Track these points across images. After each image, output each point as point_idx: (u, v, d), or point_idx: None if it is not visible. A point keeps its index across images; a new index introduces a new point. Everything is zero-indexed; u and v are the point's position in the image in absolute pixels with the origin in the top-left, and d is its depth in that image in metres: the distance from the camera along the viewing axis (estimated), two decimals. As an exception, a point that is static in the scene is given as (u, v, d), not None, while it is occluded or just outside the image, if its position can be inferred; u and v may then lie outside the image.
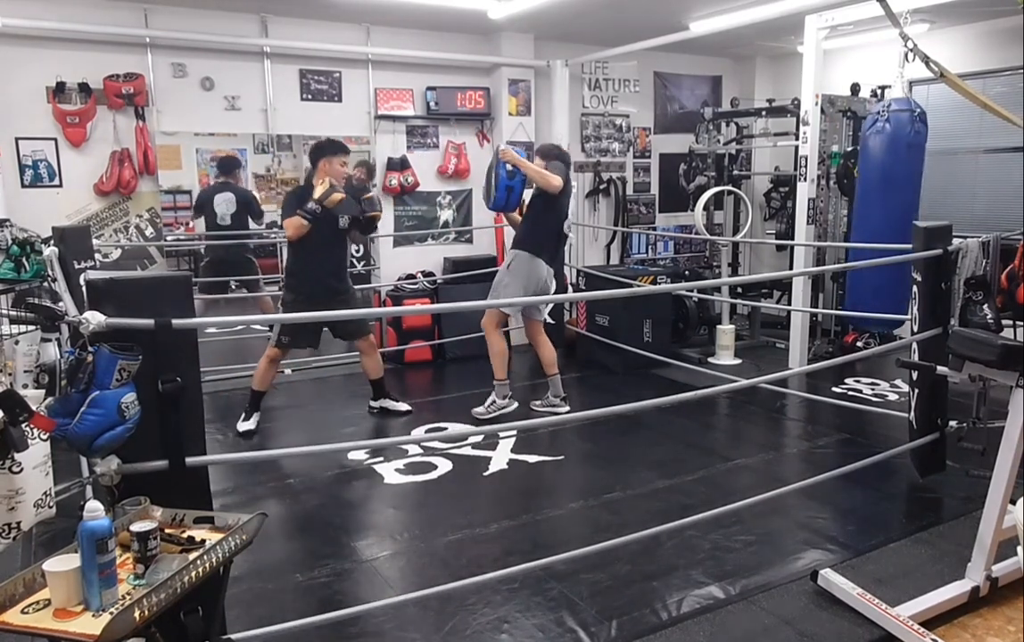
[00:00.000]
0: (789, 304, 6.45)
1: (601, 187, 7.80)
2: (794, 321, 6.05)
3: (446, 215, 7.08)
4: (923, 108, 5.47)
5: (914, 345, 3.63)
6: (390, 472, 4.13)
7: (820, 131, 5.91)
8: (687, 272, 7.37)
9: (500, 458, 4.30)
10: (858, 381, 5.69)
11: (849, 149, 6.32)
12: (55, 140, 5.50)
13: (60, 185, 5.55)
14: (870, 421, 4.74)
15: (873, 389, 5.50)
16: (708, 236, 7.01)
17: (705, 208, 6.76)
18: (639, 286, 6.01)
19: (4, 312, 3.21)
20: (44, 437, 1.96)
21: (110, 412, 2.03)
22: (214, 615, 1.98)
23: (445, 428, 4.81)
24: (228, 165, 6.08)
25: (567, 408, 5.14)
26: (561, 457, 4.42)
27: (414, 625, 2.69)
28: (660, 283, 6.23)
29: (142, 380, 2.11)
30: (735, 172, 7.19)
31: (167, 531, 1.91)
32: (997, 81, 6.30)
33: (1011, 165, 6.20)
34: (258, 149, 6.23)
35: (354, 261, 6.93)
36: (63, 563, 1.64)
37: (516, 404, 5.00)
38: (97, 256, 4.91)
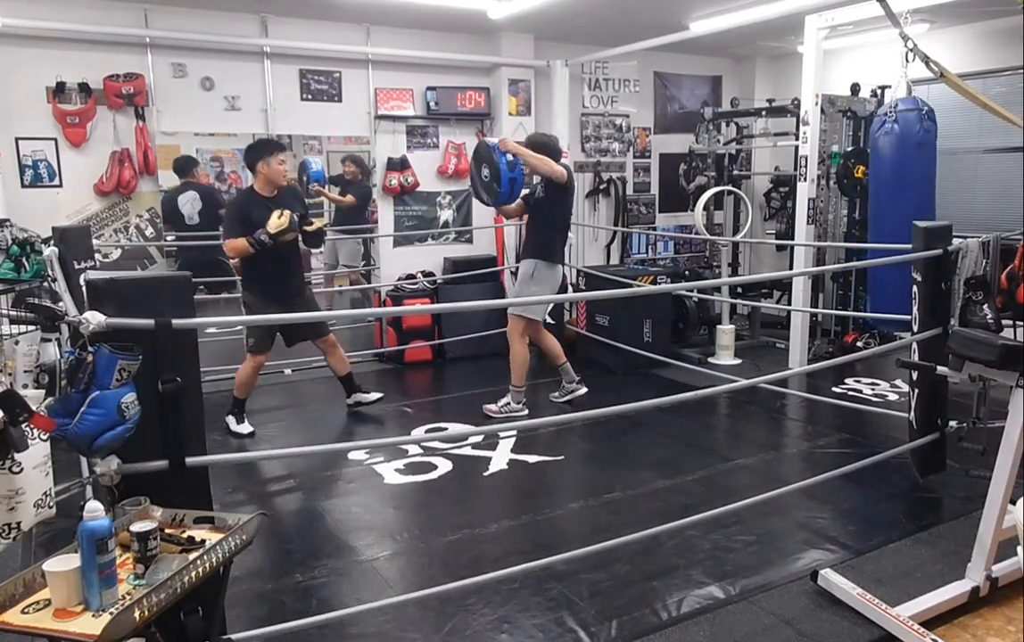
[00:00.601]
0: (789, 304, 6.45)
1: (601, 187, 7.80)
2: (794, 321, 6.05)
3: (446, 215, 7.08)
4: (931, 106, 5.47)
5: (914, 345, 3.64)
6: (390, 472, 4.13)
7: (820, 131, 5.91)
8: (687, 272, 7.37)
9: (500, 458, 4.29)
10: (858, 381, 5.69)
11: (849, 149, 6.32)
12: (55, 140, 5.50)
13: (60, 185, 5.55)
14: (870, 421, 4.74)
15: (873, 389, 5.50)
16: (708, 236, 7.01)
17: (705, 208, 6.76)
18: (639, 286, 6.01)
19: (4, 312, 3.21)
20: (44, 437, 1.96)
21: (110, 412, 2.03)
22: (214, 615, 1.98)
23: (445, 428, 4.81)
24: (186, 165, 5.97)
25: (584, 389, 5.23)
26: (561, 457, 4.42)
27: (414, 625, 2.69)
28: (660, 283, 6.23)
29: (142, 380, 2.11)
30: (735, 172, 7.19)
31: (167, 531, 1.91)
32: (997, 81, 6.30)
33: (1011, 165, 6.20)
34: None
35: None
36: (63, 563, 1.64)
37: (527, 413, 4.96)
38: (97, 256, 4.91)
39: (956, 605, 2.72)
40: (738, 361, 6.38)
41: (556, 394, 5.33)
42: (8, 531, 1.90)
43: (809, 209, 5.88)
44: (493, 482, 4.06)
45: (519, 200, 5.06)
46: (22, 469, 1.89)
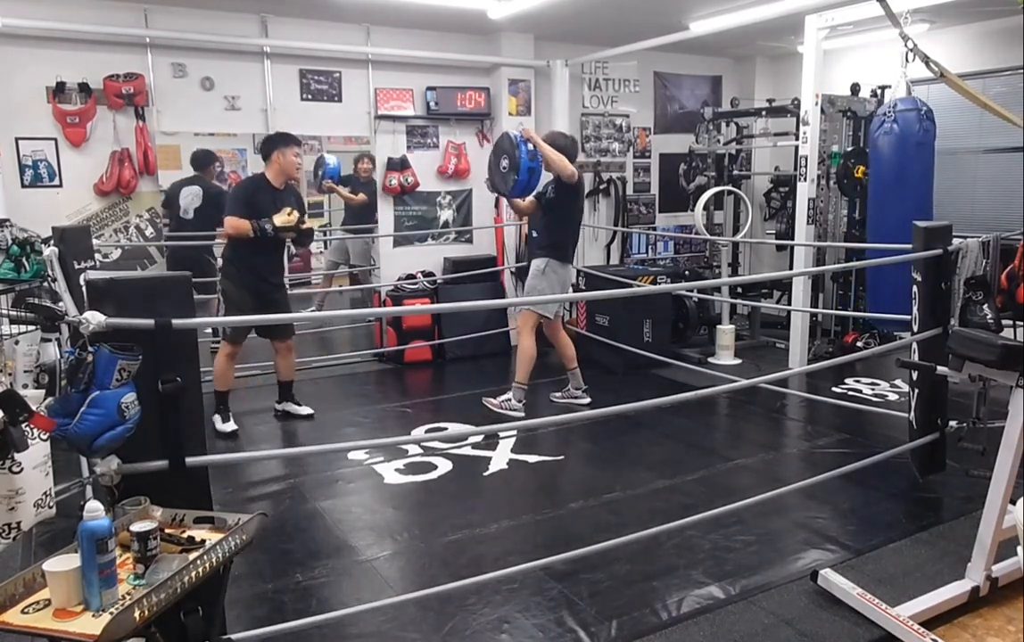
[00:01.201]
0: (789, 304, 6.45)
1: (601, 187, 7.80)
2: (794, 321, 6.05)
3: (446, 215, 7.08)
4: (930, 106, 5.47)
5: (914, 345, 3.64)
6: (390, 472, 4.13)
7: (820, 131, 5.91)
8: (687, 272, 7.36)
9: (500, 458, 4.30)
10: (858, 381, 5.69)
11: (849, 149, 6.32)
12: (55, 140, 5.50)
13: (60, 185, 5.55)
14: (870, 421, 4.74)
15: (873, 389, 5.50)
16: (708, 236, 7.01)
17: (705, 208, 6.76)
18: (639, 286, 6.01)
19: (4, 312, 3.21)
20: (44, 437, 1.96)
21: (110, 412, 2.03)
22: (214, 615, 1.98)
23: (445, 428, 4.81)
24: (201, 159, 5.98)
25: (588, 399, 5.25)
26: (561, 457, 4.42)
27: (414, 625, 2.69)
28: (660, 283, 6.23)
29: (142, 380, 2.11)
30: (735, 172, 7.19)
31: (167, 531, 1.91)
32: (997, 81, 6.30)
33: (1011, 165, 6.20)
34: (258, 149, 6.23)
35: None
36: (63, 563, 1.64)
37: (524, 415, 4.93)
38: (97, 256, 4.90)
39: (956, 605, 2.72)
40: (738, 361, 6.38)
41: (558, 394, 5.34)
42: (8, 531, 1.90)
43: (809, 209, 5.88)
44: (493, 482, 4.06)
45: (532, 197, 5.06)
46: (22, 469, 1.89)
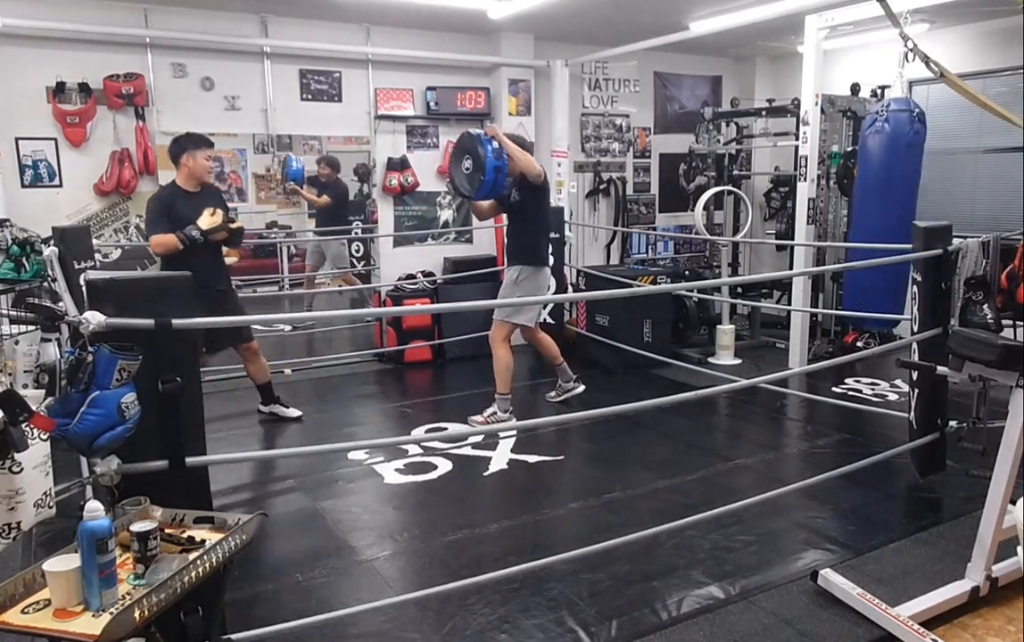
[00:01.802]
0: (789, 304, 6.45)
1: (601, 187, 7.80)
2: (794, 321, 6.05)
3: (446, 215, 7.08)
4: (922, 108, 5.47)
5: (914, 345, 3.63)
6: (390, 472, 4.13)
7: (820, 131, 5.91)
8: (687, 272, 7.36)
9: (500, 458, 4.29)
10: (858, 381, 5.69)
11: (849, 149, 6.32)
12: (55, 140, 5.50)
13: (60, 185, 5.55)
14: (870, 421, 4.74)
15: (873, 389, 5.50)
16: (708, 236, 7.01)
17: (705, 208, 6.76)
18: (639, 286, 6.01)
19: (4, 312, 3.21)
20: (44, 437, 1.96)
21: (110, 412, 2.03)
22: (214, 615, 1.98)
23: (445, 428, 4.81)
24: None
25: (582, 387, 5.25)
26: (561, 457, 4.42)
27: (414, 625, 2.69)
28: (660, 283, 6.23)
29: (142, 380, 2.11)
30: (735, 172, 7.19)
31: (167, 531, 1.91)
32: (997, 81, 6.30)
33: (1011, 165, 6.20)
34: (258, 149, 6.24)
35: (354, 261, 6.95)
36: (63, 563, 1.64)
37: (515, 420, 4.90)
38: (97, 256, 4.90)
39: (956, 605, 2.72)
40: (738, 361, 6.38)
41: (552, 394, 5.34)
42: (8, 531, 1.90)
43: (809, 209, 5.88)
44: (493, 482, 4.06)
45: (492, 200, 4.90)
46: (22, 469, 1.89)
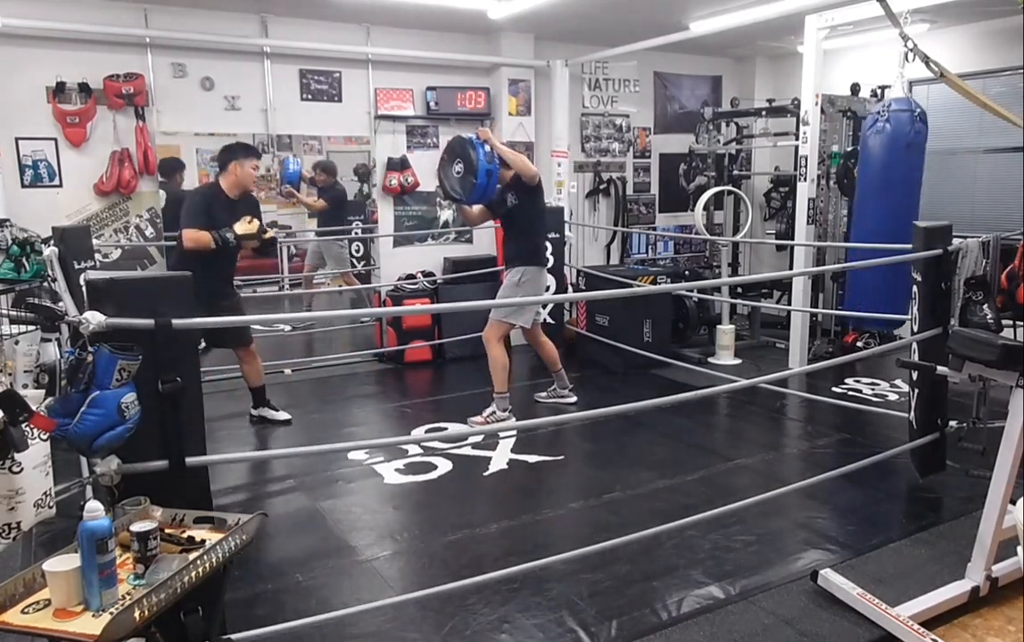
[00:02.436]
0: (789, 304, 6.45)
1: (601, 187, 7.80)
2: (794, 321, 6.05)
3: (446, 215, 7.07)
4: (923, 108, 5.47)
5: (914, 345, 3.63)
6: (390, 472, 4.13)
7: (820, 131, 5.91)
8: (687, 272, 7.36)
9: (500, 458, 4.29)
10: (858, 381, 5.69)
11: (849, 149, 6.32)
12: (55, 140, 5.50)
13: (60, 185, 5.55)
14: (870, 421, 4.74)
15: (873, 389, 5.50)
16: (708, 236, 7.01)
17: (705, 208, 6.76)
18: (639, 286, 6.01)
19: (4, 312, 3.22)
20: (44, 437, 1.96)
21: (110, 412, 2.03)
22: (214, 615, 1.98)
23: (445, 428, 4.81)
24: (168, 167, 5.89)
25: (574, 398, 5.25)
26: (561, 457, 4.42)
27: (414, 625, 2.69)
28: (660, 283, 6.23)
29: (142, 380, 2.11)
30: (735, 172, 7.19)
31: (167, 531, 1.91)
32: (997, 81, 6.30)
33: (1011, 165, 6.20)
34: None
35: (354, 261, 6.95)
36: (63, 563, 1.64)
37: (515, 419, 4.90)
38: (97, 256, 4.90)
39: (956, 605, 2.72)
40: (738, 361, 6.38)
41: (543, 394, 5.34)
42: (8, 531, 1.90)
43: (809, 209, 5.88)
44: (493, 482, 4.06)
45: (481, 206, 4.93)
46: (22, 469, 1.89)
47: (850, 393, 5.40)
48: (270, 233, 4.61)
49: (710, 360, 6.33)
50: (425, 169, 6.87)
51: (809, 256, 6.16)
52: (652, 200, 8.19)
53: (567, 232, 6.62)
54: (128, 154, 5.68)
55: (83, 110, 5.51)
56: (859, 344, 6.13)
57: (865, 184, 5.64)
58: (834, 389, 5.48)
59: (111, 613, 1.56)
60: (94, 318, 2.05)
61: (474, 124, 7.01)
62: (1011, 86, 6.17)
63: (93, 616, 1.59)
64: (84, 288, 2.50)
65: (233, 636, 2.25)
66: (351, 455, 4.34)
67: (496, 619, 2.72)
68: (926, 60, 3.48)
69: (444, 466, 4.20)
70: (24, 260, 3.31)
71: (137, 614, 1.55)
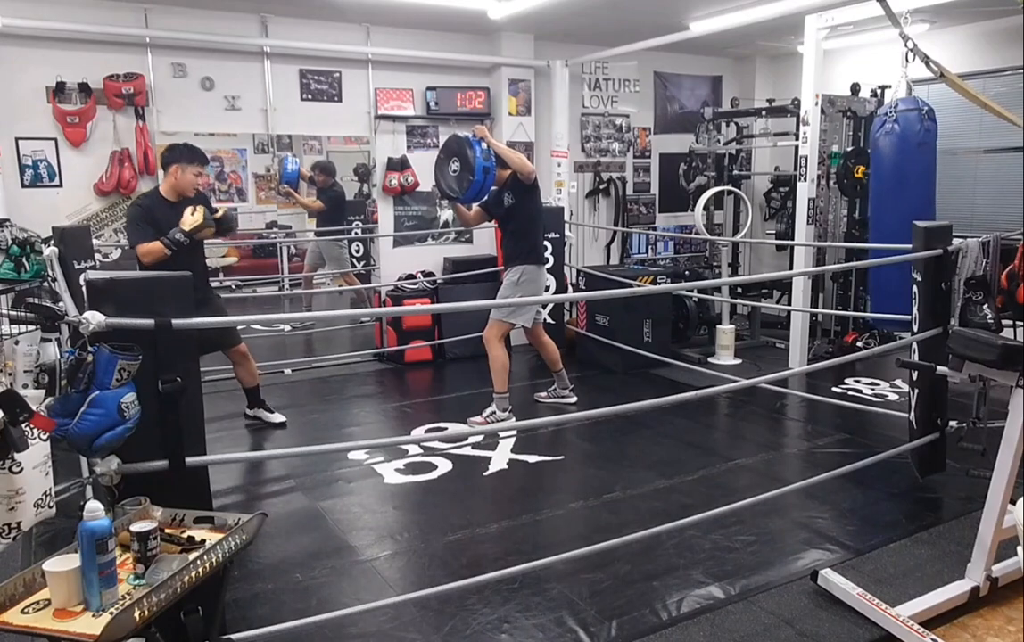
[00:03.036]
0: (789, 304, 6.45)
1: (601, 187, 7.80)
2: (794, 321, 6.05)
3: (446, 215, 7.08)
4: (931, 106, 5.46)
5: (914, 345, 3.63)
6: (390, 472, 4.13)
7: (820, 131, 5.91)
8: (687, 272, 7.36)
9: (500, 458, 4.29)
10: (858, 381, 5.69)
11: (849, 149, 6.32)
12: (55, 140, 5.50)
13: (60, 185, 5.55)
14: (870, 421, 4.74)
15: (873, 389, 5.50)
16: (708, 236, 7.01)
17: (705, 208, 6.76)
18: (639, 286, 6.01)
19: (4, 312, 3.21)
20: (44, 437, 1.96)
21: (110, 412, 2.03)
22: (214, 615, 1.98)
23: (445, 428, 4.81)
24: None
25: (575, 398, 5.25)
26: (561, 457, 4.42)
27: (414, 625, 2.69)
28: (660, 283, 6.23)
29: (142, 380, 2.11)
30: (735, 172, 7.19)
31: (167, 531, 1.91)
32: (997, 81, 6.30)
33: (1011, 165, 6.20)
34: (258, 149, 6.24)
35: (354, 261, 6.95)
36: (63, 563, 1.64)
37: (515, 419, 4.90)
38: (97, 256, 4.90)
39: (956, 605, 2.72)
40: (738, 361, 6.38)
41: (543, 394, 5.35)
42: (8, 531, 1.90)
43: (809, 209, 5.88)
44: (493, 482, 4.06)
45: (478, 208, 4.95)
46: (22, 469, 1.89)
47: (850, 393, 5.40)
48: (221, 210, 4.35)
49: (710, 360, 6.33)
50: (425, 169, 6.86)
51: (809, 256, 6.16)
52: (652, 200, 8.19)
53: (567, 232, 6.62)
54: (128, 154, 5.69)
55: (83, 110, 5.52)
56: (859, 344, 6.13)
57: (879, 186, 5.61)
58: (834, 389, 5.48)
59: (111, 613, 1.56)
60: (94, 318, 2.05)
61: (474, 124, 7.02)
62: (1011, 86, 6.17)
63: (93, 616, 1.59)
64: (84, 288, 2.50)
65: (233, 636, 2.25)
66: (351, 455, 4.34)
67: (496, 619, 2.72)
68: (926, 60, 3.49)
69: (444, 466, 4.19)
70: (24, 260, 3.31)
71: (137, 614, 1.55)
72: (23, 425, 1.82)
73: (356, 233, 6.93)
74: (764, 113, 6.98)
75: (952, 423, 3.60)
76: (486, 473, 4.13)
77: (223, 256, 6.28)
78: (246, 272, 6.48)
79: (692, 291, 6.57)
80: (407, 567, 3.19)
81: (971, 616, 2.71)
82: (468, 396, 5.36)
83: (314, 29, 6.20)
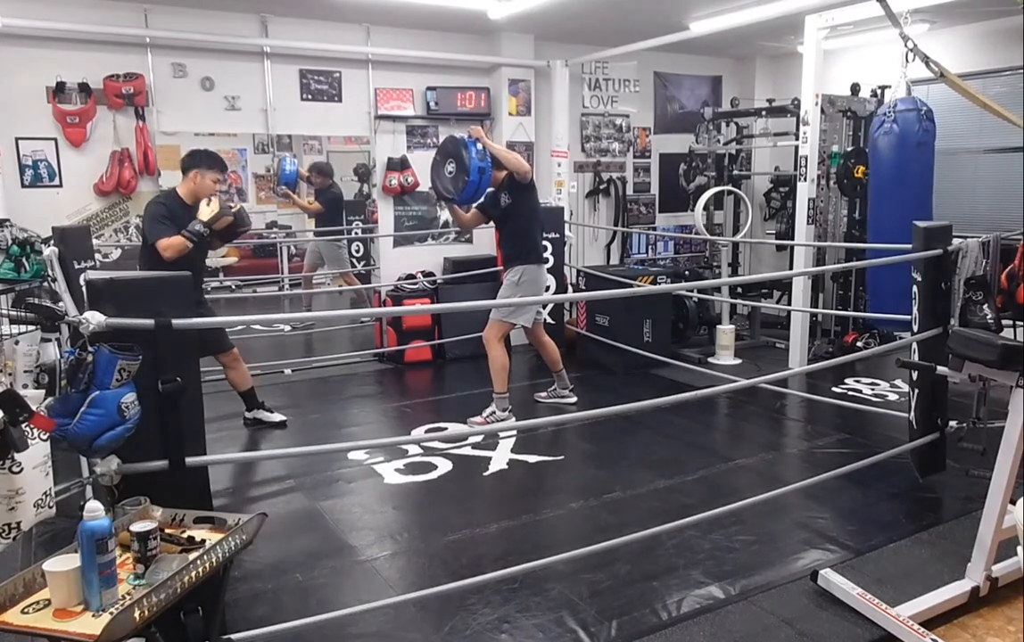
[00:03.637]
0: (789, 304, 6.45)
1: (601, 187, 7.80)
2: (794, 321, 6.05)
3: (446, 215, 7.06)
4: (929, 106, 5.46)
5: (914, 345, 3.63)
6: (390, 472, 4.13)
7: (820, 131, 5.91)
8: (687, 272, 7.36)
9: (500, 458, 4.29)
10: (858, 381, 5.69)
11: (849, 149, 6.32)
12: (55, 140, 5.50)
13: (60, 185, 5.55)
14: (870, 421, 4.74)
15: (873, 389, 5.50)
16: (708, 236, 7.01)
17: (705, 208, 6.76)
18: (639, 286, 6.01)
19: (4, 312, 3.22)
20: (44, 437, 1.96)
21: (110, 412, 2.03)
22: (214, 615, 1.98)
23: (445, 428, 4.81)
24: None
25: (575, 398, 5.25)
26: (561, 457, 4.42)
27: (414, 625, 2.69)
28: (660, 283, 6.23)
29: (142, 380, 2.11)
30: (735, 172, 7.19)
31: (167, 531, 1.91)
32: (997, 81, 6.30)
33: (1011, 165, 6.20)
34: (258, 149, 6.25)
35: (354, 261, 6.95)
36: (63, 563, 1.64)
37: (515, 419, 4.90)
38: (97, 256, 4.90)
39: (956, 605, 2.72)
40: (738, 361, 6.38)
41: (543, 394, 5.34)
42: (8, 531, 1.90)
43: (809, 209, 5.88)
44: (493, 482, 4.06)
45: (475, 210, 4.95)
46: (22, 469, 1.89)
47: (850, 393, 5.40)
48: (236, 204, 4.41)
49: (710, 360, 6.33)
50: (425, 169, 6.80)
51: (809, 256, 6.16)
52: (652, 200, 8.19)
53: (567, 232, 6.62)
54: (128, 154, 5.69)
55: (83, 110, 5.52)
56: (859, 344, 6.13)
57: (878, 186, 5.62)
58: (834, 389, 5.48)
59: (111, 613, 1.57)
60: (94, 318, 2.05)
61: (474, 124, 7.02)
62: (1011, 86, 6.17)
63: (93, 616, 1.59)
64: (84, 288, 2.51)
65: (233, 636, 2.25)
66: (351, 455, 4.34)
67: (496, 619, 2.72)
68: (926, 60, 3.49)
69: (444, 466, 4.19)
70: (24, 260, 3.31)
71: (137, 614, 1.55)
72: (23, 425, 1.82)
73: (356, 233, 6.93)
74: (764, 113, 6.98)
75: (952, 423, 3.61)
76: (486, 473, 4.13)
77: (223, 256, 6.29)
78: (246, 272, 6.49)
79: (692, 291, 6.57)
80: (407, 567, 3.19)
81: (971, 616, 2.71)
82: (468, 396, 5.36)
83: (314, 29, 6.20)
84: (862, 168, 6.01)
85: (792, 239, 6.36)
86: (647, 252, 8.17)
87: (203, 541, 1.87)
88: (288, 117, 6.26)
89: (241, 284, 6.34)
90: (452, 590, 2.75)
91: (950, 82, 3.55)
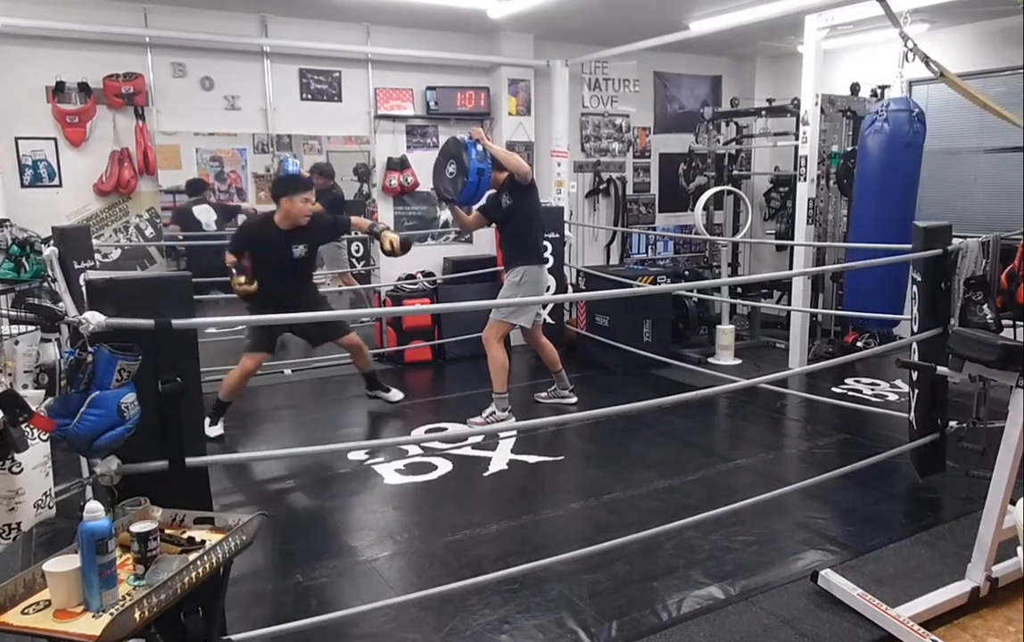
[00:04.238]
0: (789, 304, 6.45)
1: (601, 187, 7.80)
2: (794, 321, 6.05)
3: (446, 215, 7.06)
4: (922, 108, 5.47)
5: (914, 345, 3.63)
6: (390, 472, 4.13)
7: (820, 131, 5.91)
8: (687, 272, 7.37)
9: (500, 458, 4.29)
10: (858, 381, 5.69)
11: (849, 149, 6.32)
12: (55, 140, 5.50)
13: (60, 185, 5.55)
14: (870, 421, 4.74)
15: (873, 389, 5.50)
16: (708, 236, 7.01)
17: (705, 208, 6.76)
18: (639, 286, 6.01)
19: (4, 312, 3.21)
20: (44, 437, 1.96)
21: (110, 412, 2.03)
22: (214, 615, 1.98)
23: (445, 428, 4.81)
24: (197, 186, 6.03)
25: (575, 398, 5.25)
26: (561, 457, 4.42)
27: (414, 625, 2.69)
28: (660, 283, 6.23)
29: (142, 380, 2.11)
30: (735, 172, 7.19)
31: (167, 531, 1.90)
32: (997, 81, 6.30)
33: (1011, 165, 6.20)
34: (258, 149, 6.23)
35: (354, 261, 6.94)
36: (63, 563, 1.63)
37: (515, 419, 4.90)
38: (97, 256, 4.90)
39: (956, 605, 2.72)
40: (738, 361, 6.38)
41: (543, 395, 5.34)
42: (8, 531, 1.90)
43: (809, 209, 5.88)
44: (493, 482, 4.06)
45: (476, 212, 4.98)
46: (22, 469, 1.89)
47: (850, 393, 5.40)
48: (246, 287, 4.58)
49: (710, 360, 6.33)
50: (425, 169, 6.83)
51: (809, 256, 6.16)
52: (652, 200, 8.19)
53: (567, 232, 6.62)
54: (128, 154, 5.69)
55: (83, 110, 5.51)
56: (859, 344, 6.13)
57: (863, 184, 5.64)
58: (834, 389, 5.48)
59: (111, 614, 1.56)
60: (94, 318, 2.04)
61: (474, 124, 7.01)
62: (1011, 86, 6.16)
63: (93, 617, 1.59)
64: (84, 288, 2.50)
65: (233, 636, 2.25)
66: (351, 455, 4.34)
67: (496, 619, 2.72)
68: (926, 60, 3.49)
69: (444, 466, 4.19)
70: (24, 260, 3.30)
71: (137, 615, 1.55)
72: (23, 425, 1.81)
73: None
74: (764, 113, 6.99)
75: (952, 423, 3.60)
76: (486, 473, 4.13)
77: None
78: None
79: (692, 291, 6.57)
80: (407, 568, 3.19)
81: (971, 617, 2.71)
82: (468, 396, 5.36)
83: (314, 29, 6.20)
84: (862, 168, 6.01)
85: (792, 239, 6.36)
86: (647, 252, 8.17)
87: (203, 542, 1.87)
88: (288, 117, 6.26)
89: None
90: (452, 591, 2.75)
91: (950, 82, 3.54)
